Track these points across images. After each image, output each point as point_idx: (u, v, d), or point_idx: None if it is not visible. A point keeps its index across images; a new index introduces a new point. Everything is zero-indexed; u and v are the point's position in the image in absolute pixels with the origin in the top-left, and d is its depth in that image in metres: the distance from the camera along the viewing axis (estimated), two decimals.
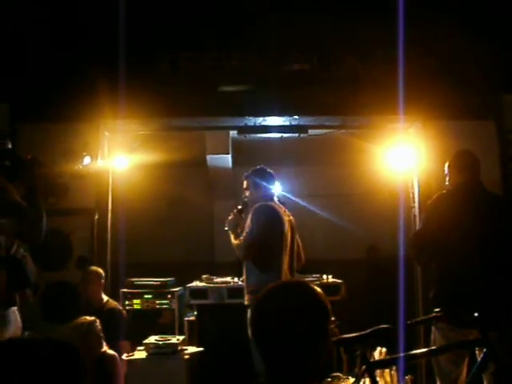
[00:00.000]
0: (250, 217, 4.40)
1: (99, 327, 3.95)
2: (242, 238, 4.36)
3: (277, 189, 5.28)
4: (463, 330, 3.22)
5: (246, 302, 4.40)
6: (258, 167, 4.61)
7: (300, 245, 4.81)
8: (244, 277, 4.52)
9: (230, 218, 4.46)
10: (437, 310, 3.23)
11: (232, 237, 4.47)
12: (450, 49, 5.17)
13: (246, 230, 4.36)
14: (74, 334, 3.86)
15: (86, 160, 4.99)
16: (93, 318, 4.01)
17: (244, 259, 4.42)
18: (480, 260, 3.31)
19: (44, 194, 3.01)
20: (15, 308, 3.10)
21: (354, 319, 4.43)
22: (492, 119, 5.21)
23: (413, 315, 4.81)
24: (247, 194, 4.55)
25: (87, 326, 3.91)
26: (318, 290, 1.63)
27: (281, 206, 4.68)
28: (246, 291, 4.47)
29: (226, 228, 4.48)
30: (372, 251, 7.39)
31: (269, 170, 4.61)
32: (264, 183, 4.54)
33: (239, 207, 4.51)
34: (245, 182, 4.58)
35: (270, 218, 4.36)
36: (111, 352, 4.06)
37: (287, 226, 4.52)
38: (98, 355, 3.92)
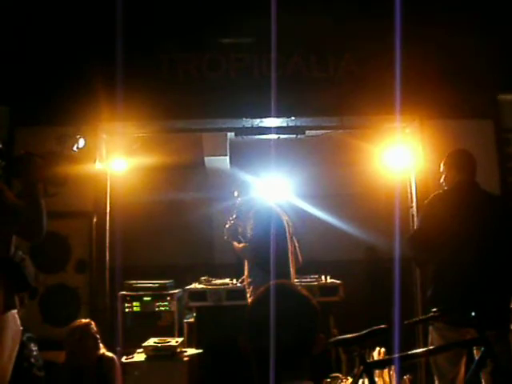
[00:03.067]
0: (251, 220, 4.45)
1: (95, 329, 3.95)
2: (246, 239, 4.41)
3: (273, 191, 5.32)
4: (460, 330, 3.22)
5: None
6: (250, 176, 4.74)
7: (297, 246, 4.83)
8: (249, 278, 4.51)
9: (227, 226, 4.52)
10: (434, 309, 3.23)
11: (235, 244, 4.51)
12: (447, 48, 5.16)
13: (250, 232, 4.40)
14: (70, 337, 3.87)
15: (81, 142, 4.94)
16: (87, 320, 4.01)
17: (251, 260, 4.43)
18: (477, 259, 3.31)
19: (43, 186, 2.98)
20: (15, 311, 3.09)
21: (353, 319, 4.43)
22: (490, 118, 5.18)
23: (412, 315, 4.82)
24: (242, 200, 4.64)
25: (82, 328, 3.91)
26: (305, 292, 1.66)
27: (278, 207, 4.72)
28: (250, 291, 4.45)
29: (226, 238, 4.54)
30: (370, 251, 7.39)
31: (260, 176, 4.72)
32: (257, 188, 4.63)
33: (234, 216, 4.58)
34: (236, 193, 4.68)
35: (270, 219, 4.43)
36: (109, 354, 4.06)
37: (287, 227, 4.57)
38: (96, 357, 3.93)
